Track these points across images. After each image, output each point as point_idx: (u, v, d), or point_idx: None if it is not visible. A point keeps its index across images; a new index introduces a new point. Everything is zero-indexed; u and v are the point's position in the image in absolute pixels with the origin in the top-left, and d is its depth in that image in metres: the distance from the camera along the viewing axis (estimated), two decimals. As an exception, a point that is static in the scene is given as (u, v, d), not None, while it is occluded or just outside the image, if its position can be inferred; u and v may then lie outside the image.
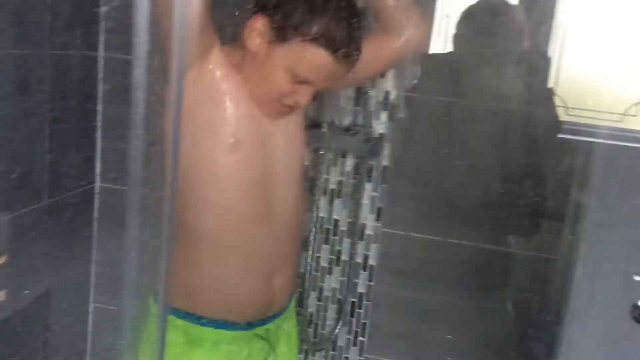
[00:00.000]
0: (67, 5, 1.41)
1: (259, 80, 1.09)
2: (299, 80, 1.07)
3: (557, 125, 1.62)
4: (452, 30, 1.61)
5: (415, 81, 1.61)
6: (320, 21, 1.02)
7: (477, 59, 1.62)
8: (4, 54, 1.24)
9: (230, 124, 1.10)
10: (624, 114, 1.64)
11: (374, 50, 1.18)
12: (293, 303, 1.33)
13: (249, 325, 1.18)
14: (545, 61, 1.60)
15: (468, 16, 1.59)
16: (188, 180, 1.08)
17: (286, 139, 1.19)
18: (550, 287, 1.64)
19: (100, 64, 1.59)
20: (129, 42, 1.45)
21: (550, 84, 1.63)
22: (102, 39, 1.58)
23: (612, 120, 1.63)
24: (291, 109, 1.13)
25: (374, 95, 1.60)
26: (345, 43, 1.04)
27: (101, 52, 1.58)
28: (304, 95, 1.10)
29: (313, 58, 1.04)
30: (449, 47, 1.62)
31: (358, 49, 1.08)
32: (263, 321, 1.20)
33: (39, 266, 1.38)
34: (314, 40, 1.03)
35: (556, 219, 1.59)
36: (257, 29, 1.06)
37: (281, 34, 1.04)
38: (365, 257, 1.69)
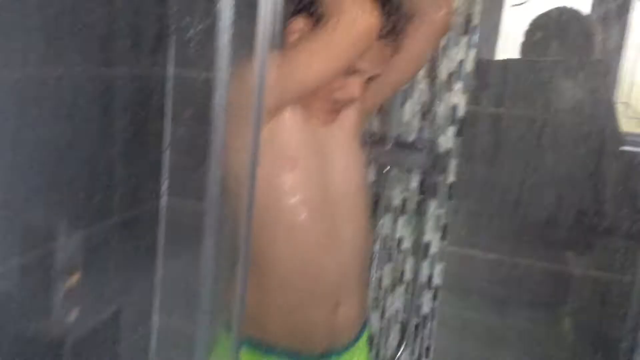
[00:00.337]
0: (139, 24, 1.43)
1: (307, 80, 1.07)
2: (346, 72, 1.05)
3: (621, 137, 1.54)
4: (521, 38, 1.56)
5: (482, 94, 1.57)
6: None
7: (545, 70, 1.56)
8: (79, 73, 1.27)
9: (289, 144, 1.09)
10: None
11: (408, 39, 1.14)
12: (365, 336, 1.27)
13: (315, 357, 1.16)
14: (610, 71, 1.53)
15: (539, 25, 1.54)
16: None
17: (346, 159, 1.17)
18: (626, 309, 1.56)
19: (170, 82, 1.61)
20: (199, 59, 1.46)
21: (622, 94, 1.56)
22: (172, 55, 1.60)
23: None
24: (346, 105, 1.12)
25: (441, 110, 1.56)
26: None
27: (171, 70, 1.60)
28: (354, 87, 1.07)
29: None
30: (515, 56, 1.58)
31: (393, 23, 1.04)
32: (329, 354, 1.17)
33: (110, 284, 1.40)
34: None
35: (630, 237, 1.52)
36: (298, 30, 1.05)
37: (318, 27, 1.02)
38: (430, 277, 1.65)
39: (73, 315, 1.25)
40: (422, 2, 1.17)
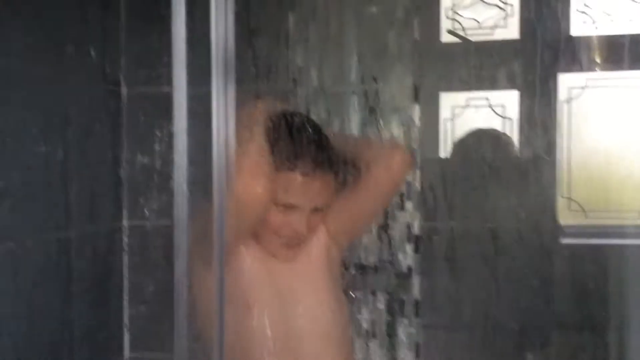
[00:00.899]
0: (93, 186, 1.44)
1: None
2: (283, 208, 1.09)
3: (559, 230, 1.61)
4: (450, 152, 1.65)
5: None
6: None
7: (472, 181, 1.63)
8: (35, 242, 1.25)
9: (246, 285, 1.10)
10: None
11: (365, 178, 1.19)
12: None
13: None
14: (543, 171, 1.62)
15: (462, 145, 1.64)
16: None
17: (314, 295, 1.18)
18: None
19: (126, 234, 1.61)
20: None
21: (564, 190, 1.64)
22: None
23: (630, 218, 1.63)
24: (298, 240, 1.14)
25: (397, 230, 1.60)
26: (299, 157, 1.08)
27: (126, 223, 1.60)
28: (297, 222, 1.10)
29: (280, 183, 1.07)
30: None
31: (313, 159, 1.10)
32: None
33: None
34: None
35: (597, 330, 1.54)
36: None
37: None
38: (410, 398, 1.61)
39: None
40: (373, 151, 1.23)
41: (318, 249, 1.19)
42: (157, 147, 1.04)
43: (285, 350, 1.10)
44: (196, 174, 0.88)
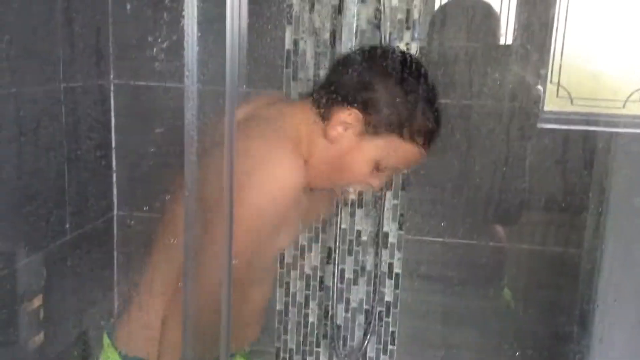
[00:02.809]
0: (77, 36, 1.38)
1: (332, 169, 1.08)
2: (380, 169, 1.07)
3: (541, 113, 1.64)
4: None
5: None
6: (414, 118, 1.03)
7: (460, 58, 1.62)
8: (17, 91, 1.21)
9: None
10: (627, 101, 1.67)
11: None
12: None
13: None
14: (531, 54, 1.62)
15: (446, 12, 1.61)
16: None
17: None
18: (577, 282, 1.65)
19: (112, 93, 1.56)
20: (139, 68, 1.43)
21: (552, 75, 1.65)
22: (112, 66, 1.55)
23: (614, 107, 1.66)
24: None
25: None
26: (434, 134, 1.07)
27: (112, 81, 1.56)
28: (380, 181, 1.10)
29: (405, 152, 1.05)
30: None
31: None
32: None
33: (73, 304, 1.35)
34: (409, 136, 1.03)
35: (577, 211, 1.61)
36: (346, 121, 1.04)
37: (373, 128, 1.03)
38: (390, 266, 1.69)
39: (38, 340, 1.20)
40: None
41: None
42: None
43: None
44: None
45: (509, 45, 1.62)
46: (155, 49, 0.99)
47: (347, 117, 1.03)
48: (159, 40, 1.00)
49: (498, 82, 1.61)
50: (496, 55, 1.64)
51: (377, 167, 1.06)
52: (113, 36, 1.54)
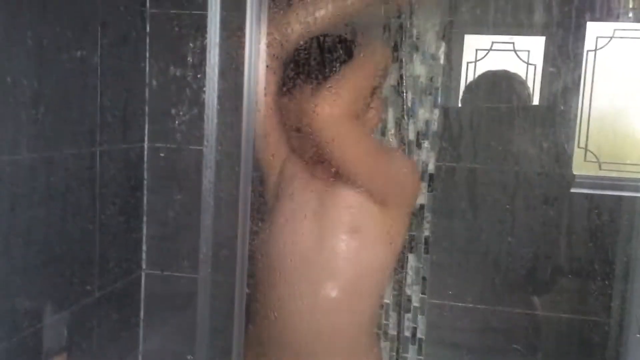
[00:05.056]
0: (113, 103, 1.46)
1: None
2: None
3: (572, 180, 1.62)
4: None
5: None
6: None
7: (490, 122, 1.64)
8: (50, 156, 1.28)
9: None
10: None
11: None
12: None
13: None
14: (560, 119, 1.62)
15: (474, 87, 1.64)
16: None
17: None
18: (604, 352, 1.60)
19: (146, 155, 1.64)
20: (171, 131, 1.49)
21: (581, 140, 1.65)
22: (147, 130, 1.63)
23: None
24: None
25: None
26: None
27: (146, 143, 1.63)
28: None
29: None
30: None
31: None
32: None
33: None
34: None
35: (603, 278, 1.58)
36: None
37: None
38: (414, 331, 1.67)
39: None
40: None
41: None
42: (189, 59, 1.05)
43: None
44: (226, 88, 0.90)
45: (536, 110, 1.64)
46: (179, 120, 1.05)
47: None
48: (182, 111, 1.05)
49: (526, 147, 1.62)
50: (524, 120, 1.65)
51: None
52: (149, 104, 1.62)
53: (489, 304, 1.62)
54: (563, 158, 1.64)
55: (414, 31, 1.60)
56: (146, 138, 1.64)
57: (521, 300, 1.63)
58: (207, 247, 0.90)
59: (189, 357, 0.93)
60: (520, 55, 1.65)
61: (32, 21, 1.14)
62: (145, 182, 1.67)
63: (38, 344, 1.19)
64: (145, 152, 1.65)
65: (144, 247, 1.70)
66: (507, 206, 1.61)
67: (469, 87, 1.64)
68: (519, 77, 1.62)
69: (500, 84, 1.66)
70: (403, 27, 1.58)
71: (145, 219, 1.68)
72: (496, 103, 1.65)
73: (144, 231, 1.68)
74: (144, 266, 1.70)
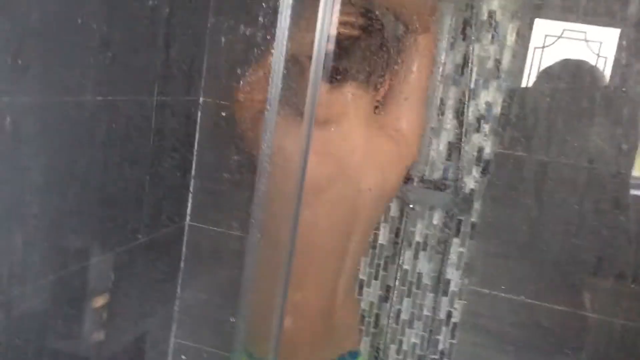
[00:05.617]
0: (174, 57, 1.46)
1: None
2: None
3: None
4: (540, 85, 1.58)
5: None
6: None
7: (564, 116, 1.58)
8: (112, 99, 1.29)
9: None
10: None
11: None
12: None
13: None
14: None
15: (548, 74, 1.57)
16: None
17: None
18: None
19: (199, 109, 1.64)
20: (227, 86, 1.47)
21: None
22: (202, 85, 1.63)
23: None
24: None
25: (468, 151, 1.58)
26: None
27: (200, 99, 1.63)
28: None
29: None
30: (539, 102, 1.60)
31: None
32: None
33: (135, 308, 1.41)
34: None
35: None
36: None
37: None
38: (449, 314, 1.65)
39: (98, 338, 1.26)
40: None
41: None
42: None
43: None
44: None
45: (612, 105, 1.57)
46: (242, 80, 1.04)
47: None
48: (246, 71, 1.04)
49: (588, 144, 1.56)
50: (597, 115, 1.58)
51: None
52: (207, 61, 1.62)
53: (528, 298, 1.59)
54: (627, 157, 1.57)
55: (485, 8, 1.54)
56: (201, 92, 1.64)
57: (568, 299, 1.59)
58: (259, 212, 0.90)
59: (231, 319, 0.94)
60: (591, 46, 1.57)
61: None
62: (197, 136, 1.68)
63: (83, 281, 1.22)
64: (200, 107, 1.66)
65: (190, 200, 1.72)
66: (572, 204, 1.56)
67: (543, 73, 1.57)
68: (599, 70, 1.55)
69: (579, 75, 1.58)
70: (475, 4, 1.52)
71: (193, 172, 1.70)
72: (570, 93, 1.58)
73: (192, 184, 1.70)
74: (188, 218, 1.72)
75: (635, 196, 1.57)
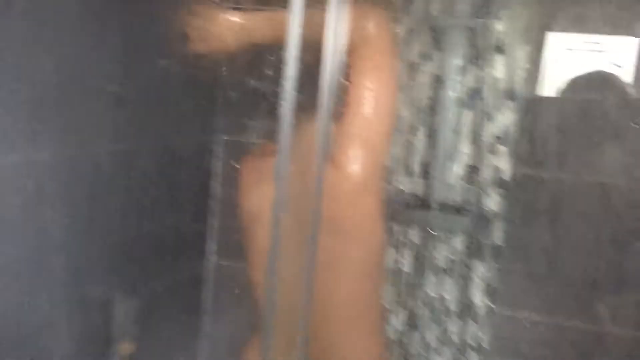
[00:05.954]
0: (188, 92, 1.49)
1: None
2: None
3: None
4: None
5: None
6: None
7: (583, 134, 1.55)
8: (134, 147, 1.32)
9: None
10: None
11: None
12: None
13: None
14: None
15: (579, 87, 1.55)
16: None
17: None
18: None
19: (220, 147, 1.67)
20: (245, 125, 1.49)
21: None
22: (220, 124, 1.65)
23: None
24: None
25: (487, 173, 1.57)
26: None
27: (220, 137, 1.66)
28: None
29: None
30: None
31: None
32: None
33: (162, 352, 1.42)
34: None
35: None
36: None
37: None
38: (477, 339, 1.63)
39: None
40: None
41: None
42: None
43: None
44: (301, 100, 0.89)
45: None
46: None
47: None
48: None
49: (607, 160, 1.53)
50: (603, 134, 1.55)
51: None
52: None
53: (559, 319, 1.56)
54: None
55: (495, 30, 1.53)
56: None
57: (592, 317, 1.55)
58: (276, 244, 0.91)
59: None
60: (608, 57, 1.55)
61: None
62: (217, 174, 1.70)
63: (108, 331, 1.24)
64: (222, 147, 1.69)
65: (214, 238, 1.74)
66: (596, 221, 1.53)
67: (563, 87, 1.55)
68: (621, 80, 1.51)
69: (598, 88, 1.55)
70: (485, 27, 1.52)
71: (216, 210, 1.72)
72: (592, 105, 1.55)
73: (215, 222, 1.72)
74: (212, 257, 1.74)
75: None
